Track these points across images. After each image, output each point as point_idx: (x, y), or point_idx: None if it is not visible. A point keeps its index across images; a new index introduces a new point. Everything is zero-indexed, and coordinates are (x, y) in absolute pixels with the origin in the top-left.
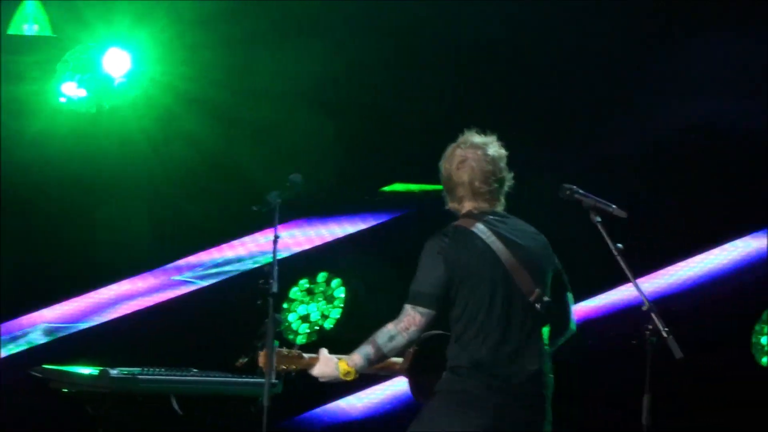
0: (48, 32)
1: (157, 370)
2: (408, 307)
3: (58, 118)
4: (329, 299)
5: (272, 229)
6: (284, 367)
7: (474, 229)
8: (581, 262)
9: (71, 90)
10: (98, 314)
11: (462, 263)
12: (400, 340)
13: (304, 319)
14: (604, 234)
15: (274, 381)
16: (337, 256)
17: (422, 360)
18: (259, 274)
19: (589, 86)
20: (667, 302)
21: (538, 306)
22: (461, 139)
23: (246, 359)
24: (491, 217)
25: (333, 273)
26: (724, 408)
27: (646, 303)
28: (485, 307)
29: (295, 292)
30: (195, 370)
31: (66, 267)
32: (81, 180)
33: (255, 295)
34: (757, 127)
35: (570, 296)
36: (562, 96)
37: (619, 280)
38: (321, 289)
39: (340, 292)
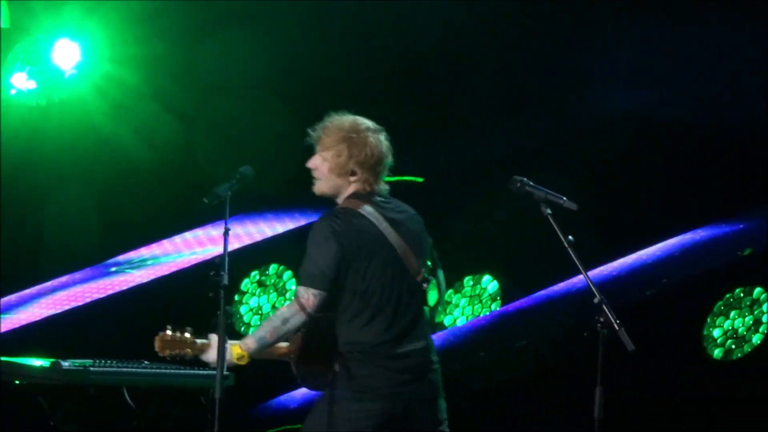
0: (6, 24)
1: (109, 362)
2: (301, 289)
3: (8, 110)
4: (281, 291)
5: (222, 222)
6: (177, 351)
7: (362, 211)
8: (530, 253)
9: (21, 82)
10: (38, 305)
11: (354, 245)
12: (294, 322)
13: (256, 311)
14: (555, 226)
15: (225, 373)
16: (288, 248)
17: (309, 343)
18: (210, 266)
19: (520, 77)
20: (617, 293)
21: (424, 286)
22: (348, 121)
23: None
24: (378, 198)
25: (284, 265)
26: (676, 401)
27: (597, 295)
28: (378, 290)
29: (246, 284)
30: (147, 362)
31: (14, 261)
32: (30, 173)
33: (207, 287)
34: (699, 121)
35: (441, 273)
36: (497, 90)
37: (571, 272)
38: (272, 281)
39: (292, 284)
